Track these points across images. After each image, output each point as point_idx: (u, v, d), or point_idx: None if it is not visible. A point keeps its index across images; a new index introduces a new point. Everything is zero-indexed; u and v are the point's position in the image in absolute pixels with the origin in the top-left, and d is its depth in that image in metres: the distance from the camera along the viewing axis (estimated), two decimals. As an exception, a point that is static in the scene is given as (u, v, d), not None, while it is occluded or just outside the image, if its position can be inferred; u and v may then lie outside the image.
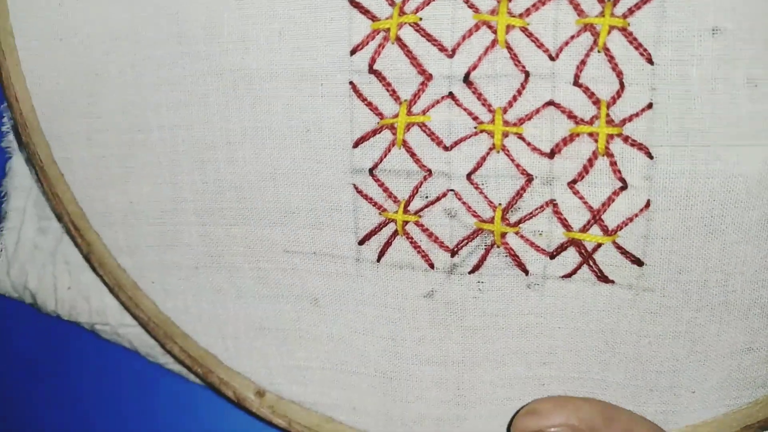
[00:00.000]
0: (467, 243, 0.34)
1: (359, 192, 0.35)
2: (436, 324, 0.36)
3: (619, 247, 0.32)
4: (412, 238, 0.35)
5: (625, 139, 0.31)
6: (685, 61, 0.30)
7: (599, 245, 0.33)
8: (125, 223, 0.37)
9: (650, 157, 0.31)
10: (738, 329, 0.33)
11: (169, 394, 0.45)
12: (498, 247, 0.34)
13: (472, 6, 0.32)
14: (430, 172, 0.34)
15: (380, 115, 0.33)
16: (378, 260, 0.35)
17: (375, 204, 0.35)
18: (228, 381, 0.38)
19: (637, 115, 0.31)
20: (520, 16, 0.31)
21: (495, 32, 0.32)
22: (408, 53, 0.33)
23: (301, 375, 0.38)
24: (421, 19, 0.32)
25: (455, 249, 0.34)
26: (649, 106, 0.31)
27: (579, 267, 0.33)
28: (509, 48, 0.32)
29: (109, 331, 0.42)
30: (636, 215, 0.32)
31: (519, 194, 0.33)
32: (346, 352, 0.37)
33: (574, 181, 0.32)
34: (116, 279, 0.38)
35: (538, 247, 0.33)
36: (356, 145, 0.34)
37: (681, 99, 0.31)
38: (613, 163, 0.32)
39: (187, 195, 0.36)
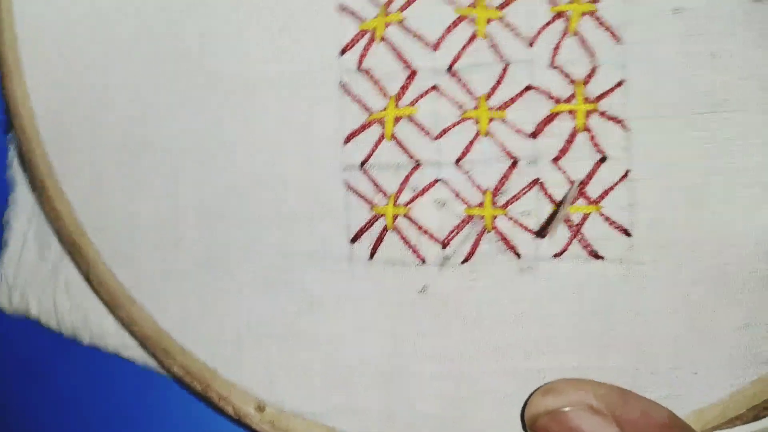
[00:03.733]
0: (458, 232, 0.35)
1: (350, 188, 0.36)
2: (434, 318, 0.36)
3: (606, 219, 0.33)
4: (401, 233, 0.35)
5: (602, 114, 0.33)
6: (651, 39, 0.33)
7: (586, 216, 0.34)
8: (125, 235, 0.38)
9: (626, 129, 0.33)
10: (735, 304, 0.34)
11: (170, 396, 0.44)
12: (489, 232, 0.34)
13: (452, 2, 0.34)
14: (418, 163, 0.35)
15: (369, 111, 0.35)
16: (371, 257, 0.36)
17: (365, 199, 0.35)
18: (227, 396, 0.38)
19: (610, 91, 0.33)
20: (498, 7, 0.34)
21: (475, 24, 0.34)
22: (394, 50, 0.35)
23: (303, 379, 0.37)
24: (405, 18, 0.35)
25: (446, 240, 0.35)
26: (620, 83, 0.33)
27: (569, 243, 0.34)
28: (489, 38, 0.34)
29: (112, 351, 0.41)
30: (616, 184, 0.33)
31: (506, 176, 0.34)
32: (347, 351, 0.37)
33: (557, 158, 0.34)
34: (113, 296, 0.38)
35: (527, 227, 0.34)
36: (347, 141, 0.35)
37: (649, 74, 0.33)
38: (592, 137, 0.33)
39: (188, 201, 0.37)
